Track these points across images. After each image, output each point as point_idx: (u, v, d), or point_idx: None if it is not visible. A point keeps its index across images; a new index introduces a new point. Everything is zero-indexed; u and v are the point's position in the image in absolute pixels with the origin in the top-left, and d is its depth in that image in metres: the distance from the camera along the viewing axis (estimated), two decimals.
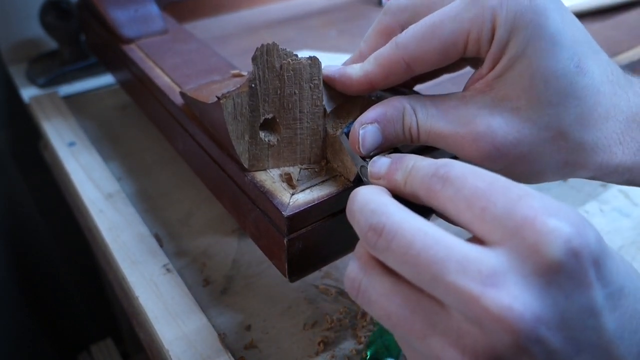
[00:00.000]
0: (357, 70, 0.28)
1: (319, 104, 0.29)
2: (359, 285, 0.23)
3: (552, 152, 0.26)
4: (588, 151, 0.27)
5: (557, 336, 0.18)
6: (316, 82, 0.28)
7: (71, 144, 0.56)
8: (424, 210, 0.23)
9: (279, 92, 0.28)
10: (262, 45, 0.27)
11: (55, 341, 0.92)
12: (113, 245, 0.44)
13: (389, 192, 0.24)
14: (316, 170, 0.31)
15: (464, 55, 0.27)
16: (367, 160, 0.27)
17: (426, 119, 0.27)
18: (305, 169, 0.31)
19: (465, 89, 0.28)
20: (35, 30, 0.70)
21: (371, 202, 0.22)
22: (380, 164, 0.26)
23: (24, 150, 0.78)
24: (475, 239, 0.20)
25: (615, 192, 0.48)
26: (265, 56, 0.27)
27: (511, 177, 0.21)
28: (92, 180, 0.51)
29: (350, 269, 0.23)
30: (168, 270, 0.41)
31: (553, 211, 0.19)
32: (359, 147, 0.27)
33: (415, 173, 0.23)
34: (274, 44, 0.27)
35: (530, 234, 0.18)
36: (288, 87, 0.28)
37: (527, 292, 0.18)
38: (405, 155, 0.25)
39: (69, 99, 0.65)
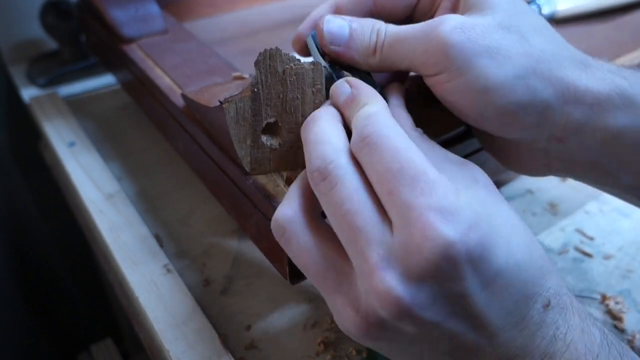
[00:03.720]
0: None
1: None
2: (285, 231, 0.25)
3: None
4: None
5: (427, 312, 0.22)
6: (318, 86, 0.29)
7: (71, 144, 0.56)
8: None
9: (281, 96, 0.28)
10: (265, 50, 0.27)
11: (55, 341, 0.92)
12: (113, 246, 0.44)
13: (341, 121, 0.26)
14: None
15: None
16: (326, 61, 0.29)
17: (394, 28, 0.28)
18: None
19: None
20: (35, 30, 0.70)
21: (326, 142, 0.24)
22: (341, 92, 0.27)
23: (24, 150, 0.78)
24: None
25: None
26: (268, 61, 0.27)
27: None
28: (92, 180, 0.51)
29: (283, 211, 0.25)
30: (168, 270, 0.41)
31: (447, 214, 0.21)
32: (323, 34, 0.29)
33: (356, 120, 0.25)
34: (276, 49, 0.27)
35: (418, 234, 0.21)
36: (290, 91, 0.28)
37: (406, 281, 0.21)
38: (363, 88, 0.26)
39: (69, 99, 0.65)
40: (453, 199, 0.21)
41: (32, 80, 0.68)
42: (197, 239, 0.45)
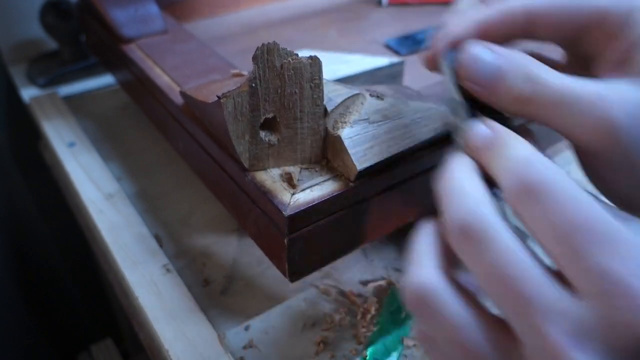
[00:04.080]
0: (464, 14, 0.25)
1: (319, 103, 0.29)
2: (429, 301, 0.20)
3: None
4: None
5: None
6: (317, 81, 0.28)
7: (71, 144, 0.56)
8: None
9: (279, 91, 0.28)
10: (263, 44, 0.27)
11: (55, 341, 0.92)
12: (113, 246, 0.44)
13: (478, 171, 0.22)
14: (317, 170, 0.31)
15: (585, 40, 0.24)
16: (459, 96, 0.24)
17: (551, 82, 0.22)
18: (306, 168, 0.31)
19: None
20: (35, 30, 0.70)
21: (467, 194, 0.20)
22: (478, 133, 0.22)
23: (24, 150, 0.78)
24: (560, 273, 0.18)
25: None
26: (266, 55, 0.27)
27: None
28: (92, 180, 0.51)
29: (424, 274, 0.20)
30: (168, 270, 0.41)
31: None
32: (463, 65, 0.23)
33: (507, 164, 0.20)
34: (274, 43, 0.27)
35: (624, 304, 0.16)
36: (289, 86, 0.28)
37: None
38: (503, 132, 0.22)
39: (69, 99, 0.65)
40: None
41: (32, 80, 0.68)
42: (197, 239, 0.45)
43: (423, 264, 0.21)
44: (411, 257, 0.21)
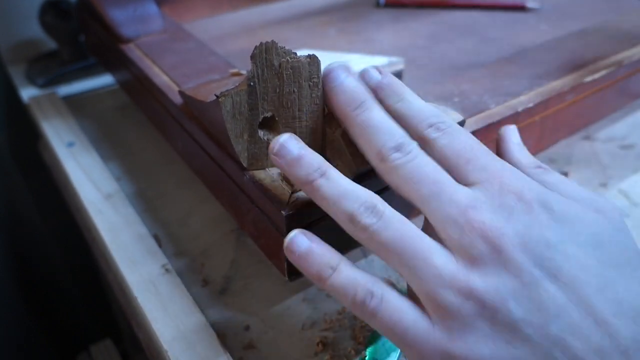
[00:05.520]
0: None
1: (318, 102, 0.29)
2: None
3: None
4: None
5: (521, 253, 0.23)
6: (315, 80, 0.28)
7: (70, 144, 0.56)
8: None
9: (277, 90, 0.28)
10: (261, 43, 0.27)
11: (54, 341, 0.92)
12: (112, 246, 0.43)
13: None
14: None
15: None
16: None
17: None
18: None
19: None
20: (34, 30, 0.70)
21: (392, 125, 0.27)
22: (373, 74, 0.29)
23: (23, 150, 0.78)
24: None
25: (615, 192, 0.48)
26: (264, 54, 0.27)
27: None
28: (91, 180, 0.51)
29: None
30: (167, 270, 0.41)
31: (515, 174, 0.26)
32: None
33: (410, 110, 0.28)
34: (272, 42, 0.27)
35: (498, 181, 0.25)
36: (287, 85, 0.28)
37: (496, 215, 0.24)
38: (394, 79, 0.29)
39: (68, 99, 0.65)
40: (510, 167, 0.26)
41: (31, 80, 0.68)
42: (196, 239, 0.45)
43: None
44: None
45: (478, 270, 0.23)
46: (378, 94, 0.28)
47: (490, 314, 0.23)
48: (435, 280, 0.23)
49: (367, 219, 0.25)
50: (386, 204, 0.25)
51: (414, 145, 0.26)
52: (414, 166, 0.25)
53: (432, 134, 0.27)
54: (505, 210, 0.24)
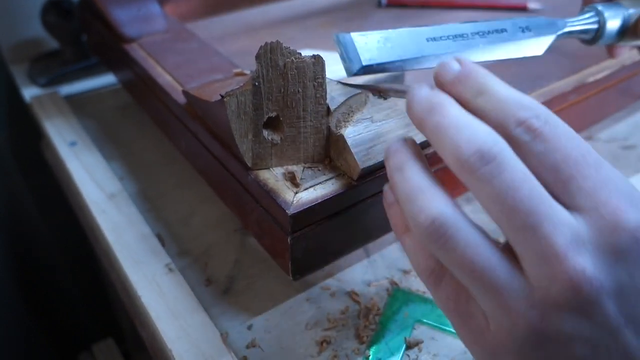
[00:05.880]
0: None
1: (322, 102, 0.29)
2: (448, 228, 0.21)
3: None
4: None
5: (613, 305, 0.20)
6: (319, 80, 0.28)
7: (72, 144, 0.56)
8: None
9: (282, 90, 0.28)
10: (266, 43, 0.27)
11: (56, 341, 0.92)
12: (115, 245, 0.43)
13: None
14: (319, 169, 0.31)
15: None
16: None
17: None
18: (309, 167, 0.31)
19: None
20: (36, 30, 0.70)
21: (473, 125, 0.22)
22: (450, 67, 0.24)
23: (25, 150, 0.78)
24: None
25: None
26: (269, 54, 0.27)
27: None
28: (94, 180, 0.51)
29: (438, 207, 0.22)
30: (170, 269, 0.41)
31: (635, 201, 0.21)
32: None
33: (497, 104, 0.23)
34: (277, 42, 0.27)
35: (610, 214, 0.20)
36: (292, 85, 0.28)
37: (599, 262, 0.20)
38: (475, 66, 0.24)
39: (70, 98, 0.65)
40: (636, 191, 0.21)
41: (33, 80, 0.68)
42: (199, 239, 0.45)
43: (433, 198, 0.22)
44: (411, 194, 0.23)
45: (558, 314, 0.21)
46: (457, 88, 0.24)
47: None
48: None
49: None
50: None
51: (499, 148, 0.21)
52: (501, 184, 0.21)
53: (522, 136, 0.22)
54: (614, 255, 0.20)
